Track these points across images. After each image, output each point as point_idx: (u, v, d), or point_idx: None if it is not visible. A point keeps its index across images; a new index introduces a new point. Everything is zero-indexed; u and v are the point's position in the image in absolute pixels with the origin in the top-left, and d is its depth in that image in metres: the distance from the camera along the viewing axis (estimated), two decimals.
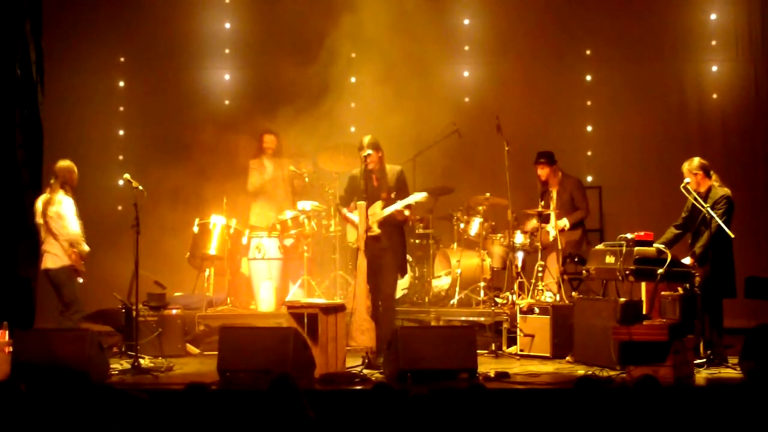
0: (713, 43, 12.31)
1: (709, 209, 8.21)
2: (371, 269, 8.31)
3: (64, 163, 8.94)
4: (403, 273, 8.85)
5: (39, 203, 8.90)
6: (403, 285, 10.57)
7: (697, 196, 8.35)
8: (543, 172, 10.46)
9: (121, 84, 12.43)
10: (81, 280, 8.89)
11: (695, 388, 7.55)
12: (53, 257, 8.78)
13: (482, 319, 10.01)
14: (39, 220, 8.87)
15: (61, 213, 8.75)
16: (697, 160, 8.61)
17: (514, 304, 9.75)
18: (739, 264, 8.49)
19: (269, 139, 10.89)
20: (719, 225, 8.18)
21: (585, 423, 5.35)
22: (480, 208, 10.83)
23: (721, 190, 8.50)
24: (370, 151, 8.46)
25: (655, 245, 8.31)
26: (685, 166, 8.62)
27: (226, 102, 12.51)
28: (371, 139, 8.53)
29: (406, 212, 8.54)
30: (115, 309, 9.51)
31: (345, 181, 8.83)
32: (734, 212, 8.47)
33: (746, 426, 5.64)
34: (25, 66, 10.02)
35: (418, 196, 8.51)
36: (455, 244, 10.97)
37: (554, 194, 10.45)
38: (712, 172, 8.62)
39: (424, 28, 11.20)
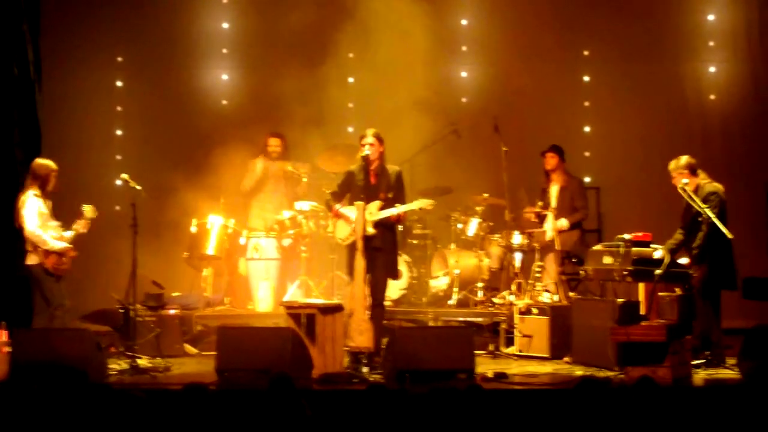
0: (711, 43, 12.32)
1: (707, 210, 8.20)
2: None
3: (39, 161, 8.81)
4: (394, 276, 8.73)
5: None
6: (401, 285, 10.57)
7: (696, 198, 8.32)
8: (552, 161, 10.47)
9: (119, 84, 12.42)
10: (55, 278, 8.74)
11: (693, 389, 7.57)
12: (28, 254, 8.73)
13: (480, 319, 10.02)
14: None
15: (22, 212, 8.64)
16: (684, 159, 8.58)
17: (512, 304, 9.75)
18: (738, 264, 8.47)
19: (274, 142, 10.85)
20: (713, 223, 8.16)
21: (584, 424, 5.35)
22: (478, 208, 10.85)
23: (710, 186, 8.46)
24: (371, 139, 8.43)
25: (656, 245, 8.30)
26: (672, 165, 8.61)
27: (224, 102, 12.50)
28: (375, 131, 8.52)
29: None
30: (113, 309, 9.49)
31: (340, 177, 8.77)
32: (727, 209, 8.43)
33: (744, 427, 5.63)
34: (23, 65, 10.01)
35: (423, 203, 8.45)
36: (453, 245, 10.96)
37: (555, 192, 10.46)
38: (699, 170, 8.60)
39: (421, 29, 11.20)
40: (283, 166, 10.80)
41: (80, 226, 8.77)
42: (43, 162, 8.81)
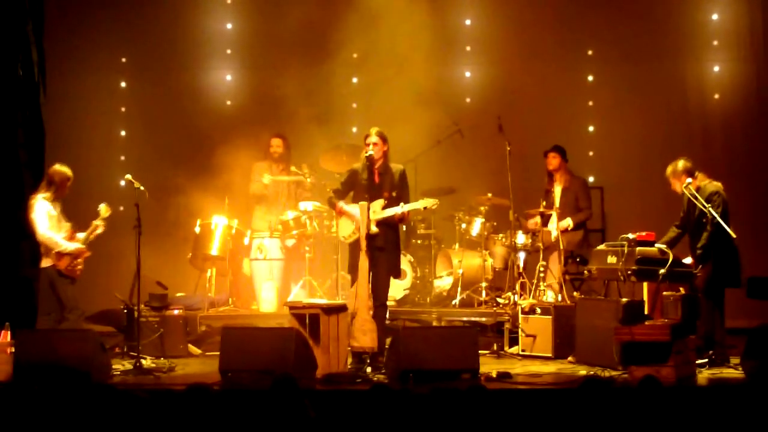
0: (715, 43, 12.32)
1: (711, 210, 8.18)
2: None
3: (57, 168, 8.87)
4: (396, 275, 8.71)
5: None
6: (404, 285, 10.58)
7: (700, 198, 8.30)
8: (555, 161, 10.41)
9: (123, 85, 12.44)
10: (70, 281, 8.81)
11: (697, 389, 7.54)
12: (42, 257, 8.77)
13: (484, 319, 10.01)
14: None
15: (32, 216, 8.70)
16: (681, 164, 8.55)
17: (515, 304, 9.75)
18: (743, 262, 8.46)
19: (276, 143, 10.83)
20: (717, 223, 8.15)
21: (587, 423, 5.34)
22: (482, 208, 10.85)
23: (711, 186, 8.44)
24: (375, 138, 8.42)
25: (657, 245, 8.30)
26: (669, 171, 8.58)
27: (228, 102, 12.52)
28: (379, 130, 8.50)
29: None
30: (117, 309, 9.52)
31: (344, 175, 8.76)
32: (730, 208, 8.40)
33: (748, 426, 5.63)
34: (27, 66, 10.01)
35: (428, 202, 8.41)
36: (457, 245, 10.97)
37: (558, 192, 10.44)
38: (696, 172, 8.58)
39: (425, 29, 11.20)
40: (287, 170, 10.77)
41: (96, 227, 8.79)
42: (60, 169, 8.85)
